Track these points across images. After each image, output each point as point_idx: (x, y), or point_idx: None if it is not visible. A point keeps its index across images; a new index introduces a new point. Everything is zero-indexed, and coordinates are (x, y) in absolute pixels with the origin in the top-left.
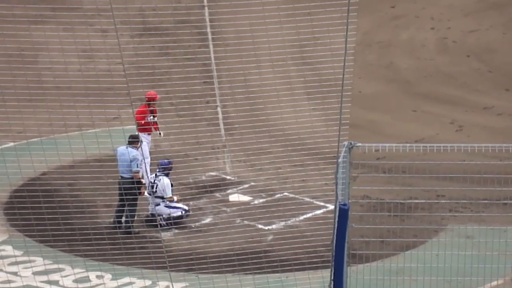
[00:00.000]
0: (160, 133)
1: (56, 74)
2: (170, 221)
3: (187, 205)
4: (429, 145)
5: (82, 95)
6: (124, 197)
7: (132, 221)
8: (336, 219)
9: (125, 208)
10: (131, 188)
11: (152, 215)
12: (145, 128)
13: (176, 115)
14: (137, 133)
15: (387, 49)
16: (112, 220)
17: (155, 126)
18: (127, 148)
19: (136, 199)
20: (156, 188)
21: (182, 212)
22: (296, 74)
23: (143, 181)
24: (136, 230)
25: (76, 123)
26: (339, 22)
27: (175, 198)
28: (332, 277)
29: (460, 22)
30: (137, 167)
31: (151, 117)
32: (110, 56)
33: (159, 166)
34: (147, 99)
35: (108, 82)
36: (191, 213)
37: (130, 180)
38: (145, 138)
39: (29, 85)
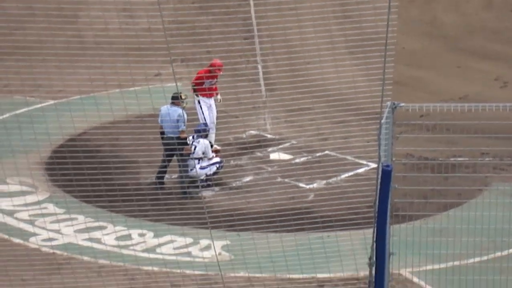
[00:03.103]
0: (219, 99)
1: (96, 32)
2: (210, 181)
3: (222, 158)
4: (474, 104)
5: (122, 53)
6: (171, 155)
7: (186, 181)
8: (379, 181)
9: (177, 168)
10: (179, 148)
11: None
12: (204, 92)
13: None
14: (179, 91)
15: (431, 5)
16: (154, 178)
17: (215, 90)
18: (171, 106)
19: (186, 158)
20: (194, 150)
21: (217, 166)
22: (337, 31)
23: (189, 139)
24: (192, 190)
25: (116, 80)
26: None
27: (214, 155)
28: (375, 239)
29: None
30: (184, 125)
31: (210, 81)
32: (150, 13)
33: (196, 129)
34: (211, 68)
35: (148, 39)
36: (225, 163)
37: (177, 138)
38: (205, 102)
39: (69, 41)
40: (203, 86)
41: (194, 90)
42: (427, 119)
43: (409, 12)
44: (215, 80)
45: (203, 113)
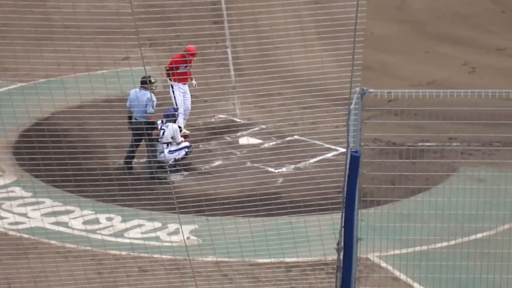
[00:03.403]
0: (194, 84)
1: (64, 13)
2: (178, 164)
3: (191, 143)
4: (442, 91)
5: (90, 36)
6: (140, 139)
7: (154, 165)
8: (347, 166)
9: (145, 153)
10: (147, 131)
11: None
12: (179, 78)
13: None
14: (148, 75)
15: None
16: (122, 162)
17: (189, 75)
18: (140, 90)
19: (154, 142)
20: (163, 134)
21: (186, 151)
22: (307, 14)
23: (158, 123)
24: (160, 175)
25: (84, 63)
26: None
27: (183, 139)
28: (343, 225)
29: None
30: (152, 109)
31: (185, 66)
32: None
33: (165, 114)
34: (185, 52)
35: (116, 22)
36: (193, 148)
37: (145, 122)
38: (179, 87)
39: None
40: (178, 71)
41: (168, 75)
42: (395, 104)
43: None
44: (189, 65)
45: (175, 98)
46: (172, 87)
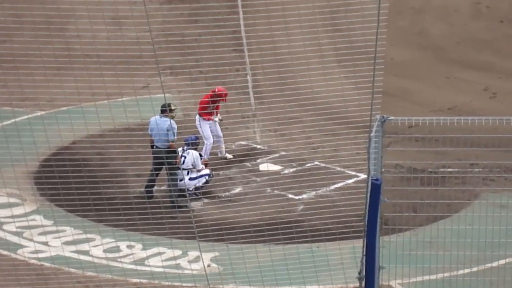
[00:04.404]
0: (219, 118)
1: (84, 42)
2: (198, 191)
3: (212, 171)
4: (463, 118)
5: (110, 63)
6: (160, 167)
7: (175, 193)
8: (368, 194)
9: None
10: (169, 159)
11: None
12: (207, 115)
13: (206, 83)
14: (168, 102)
15: (419, 15)
16: (142, 189)
17: (217, 108)
18: (160, 117)
19: (175, 169)
20: (184, 161)
21: (206, 178)
22: (327, 41)
23: (179, 150)
24: (180, 200)
25: (103, 92)
26: None
27: (204, 166)
28: (364, 253)
29: None
30: (174, 136)
31: (213, 111)
32: (138, 23)
33: (185, 142)
34: (213, 93)
35: (137, 51)
36: (214, 176)
37: (166, 150)
38: (206, 121)
39: (57, 53)
40: (207, 111)
41: (201, 115)
42: (416, 130)
43: (397, 23)
44: (217, 110)
45: (203, 132)
46: (200, 121)
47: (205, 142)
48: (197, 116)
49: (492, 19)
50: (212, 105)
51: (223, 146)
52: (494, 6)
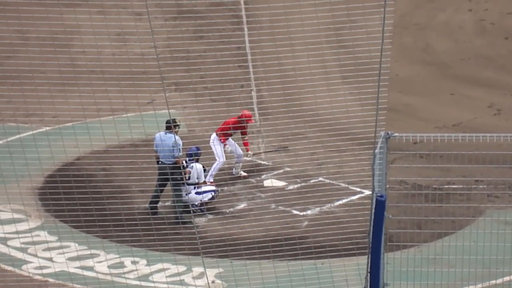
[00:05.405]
0: (249, 153)
1: (89, 58)
2: (203, 207)
3: (217, 187)
4: (468, 135)
5: (115, 79)
6: (165, 183)
7: (180, 208)
8: (373, 210)
9: (170, 195)
10: (174, 174)
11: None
12: (223, 137)
13: (210, 99)
14: (173, 118)
15: (424, 32)
16: (147, 205)
17: (246, 146)
18: (166, 133)
19: (180, 185)
20: (189, 175)
21: (212, 194)
22: (331, 58)
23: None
24: (185, 216)
25: (108, 108)
26: (376, 4)
27: (208, 182)
28: (369, 270)
29: (498, 4)
30: (179, 152)
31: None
32: (143, 39)
33: (188, 153)
34: (239, 118)
35: (142, 66)
36: (220, 193)
37: (172, 166)
38: (220, 141)
39: (62, 69)
40: (228, 135)
41: (221, 135)
42: (421, 146)
43: (402, 39)
44: (245, 135)
45: (215, 149)
46: (214, 140)
47: (217, 159)
48: (214, 135)
49: (496, 36)
50: (234, 131)
51: (240, 164)
52: (498, 23)
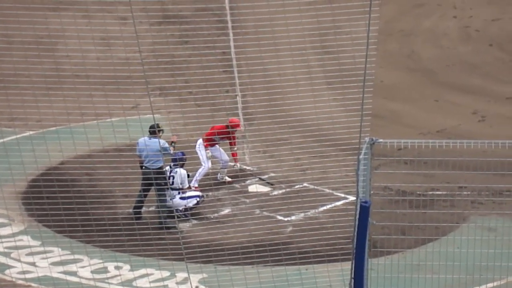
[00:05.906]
0: (236, 165)
1: (73, 63)
2: (187, 212)
3: (203, 193)
4: (451, 141)
5: (100, 84)
6: (149, 188)
7: (163, 214)
8: (357, 216)
9: (154, 200)
10: (158, 179)
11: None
12: (208, 142)
13: (195, 104)
14: (157, 123)
15: (409, 38)
16: (131, 210)
17: (234, 156)
18: (150, 138)
19: (164, 190)
20: (173, 180)
21: (197, 200)
22: (316, 63)
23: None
24: (168, 221)
25: (92, 112)
26: (361, 10)
27: (192, 187)
28: (353, 275)
29: (482, 11)
30: (170, 152)
31: (221, 138)
32: (128, 44)
33: (173, 158)
34: (227, 126)
35: (126, 71)
36: (205, 198)
37: (157, 170)
38: (203, 148)
39: (46, 73)
40: (214, 142)
41: (208, 140)
42: (405, 152)
43: (387, 46)
44: (233, 145)
45: (201, 154)
46: (200, 145)
47: (202, 165)
48: (200, 140)
49: (481, 43)
50: (220, 140)
51: (225, 170)
52: (483, 30)
